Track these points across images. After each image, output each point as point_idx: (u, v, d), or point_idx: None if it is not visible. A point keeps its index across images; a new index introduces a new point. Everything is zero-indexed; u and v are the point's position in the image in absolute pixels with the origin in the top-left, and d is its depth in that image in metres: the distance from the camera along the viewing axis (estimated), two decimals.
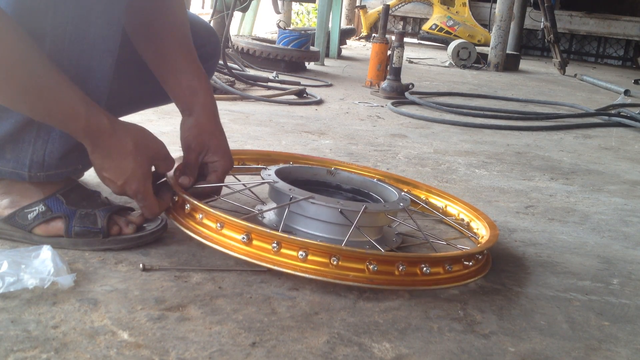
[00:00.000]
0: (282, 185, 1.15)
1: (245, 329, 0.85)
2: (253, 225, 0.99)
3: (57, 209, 1.04)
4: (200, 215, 1.06)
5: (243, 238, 0.99)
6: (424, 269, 1.00)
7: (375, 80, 3.72)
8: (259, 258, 0.98)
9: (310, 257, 0.96)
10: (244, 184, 1.33)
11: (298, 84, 3.42)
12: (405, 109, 3.07)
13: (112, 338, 0.80)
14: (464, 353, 0.86)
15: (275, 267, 0.97)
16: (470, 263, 1.07)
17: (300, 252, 0.96)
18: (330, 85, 3.71)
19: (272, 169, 1.24)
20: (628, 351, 0.91)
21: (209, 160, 1.17)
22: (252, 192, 1.35)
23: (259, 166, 1.44)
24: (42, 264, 0.90)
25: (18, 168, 1.02)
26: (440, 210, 1.41)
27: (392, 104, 3.14)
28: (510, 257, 1.23)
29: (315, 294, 0.98)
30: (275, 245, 0.97)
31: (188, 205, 1.09)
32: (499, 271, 1.15)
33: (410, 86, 3.55)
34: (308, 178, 1.32)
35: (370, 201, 1.27)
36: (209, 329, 0.84)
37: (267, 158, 1.54)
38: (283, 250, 0.97)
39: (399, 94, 3.43)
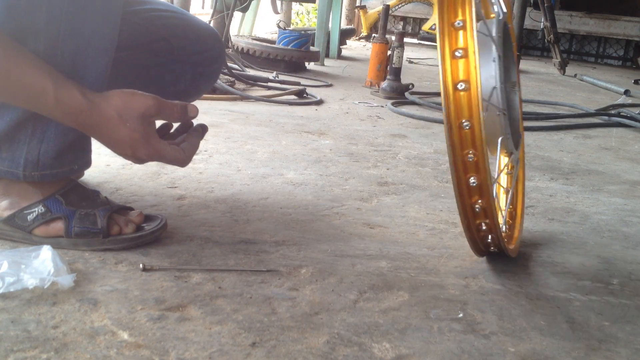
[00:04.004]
0: None
1: (245, 329, 0.85)
2: None
3: (57, 209, 1.04)
4: None
5: None
6: None
7: (375, 81, 3.72)
8: None
9: None
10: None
11: (298, 84, 3.41)
12: (405, 109, 3.07)
13: (112, 338, 0.80)
14: (464, 353, 0.86)
15: None
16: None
17: None
18: (330, 85, 3.71)
19: None
20: (628, 351, 0.91)
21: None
22: None
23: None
24: (42, 264, 0.90)
25: (13, 167, 1.02)
26: None
27: (392, 104, 3.14)
28: (510, 257, 1.23)
29: (315, 294, 0.98)
30: None
31: None
32: (498, 271, 1.15)
33: (410, 86, 3.55)
34: None
35: None
36: (209, 329, 0.84)
37: None
38: None
39: (399, 94, 3.43)
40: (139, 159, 0.98)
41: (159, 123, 1.05)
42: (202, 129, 1.09)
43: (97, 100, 0.93)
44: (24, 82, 0.88)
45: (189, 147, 1.03)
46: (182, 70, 1.28)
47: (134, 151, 0.96)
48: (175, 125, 1.10)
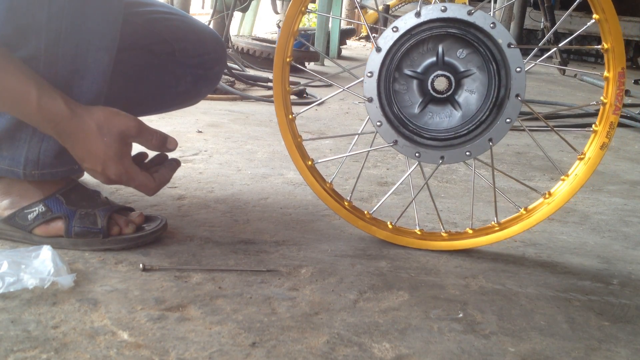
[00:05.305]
0: None
1: (245, 329, 0.85)
2: None
3: (57, 209, 1.04)
4: None
5: None
6: None
7: None
8: None
9: None
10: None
11: (298, 84, 3.41)
12: None
13: (112, 338, 0.80)
14: (464, 353, 0.86)
15: None
16: None
17: None
18: (330, 85, 3.70)
19: None
20: (628, 351, 0.91)
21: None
22: None
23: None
24: (42, 264, 0.90)
25: (13, 165, 1.02)
26: None
27: None
28: (510, 257, 1.23)
29: (315, 294, 0.98)
30: None
31: None
32: (498, 271, 1.15)
33: None
34: None
35: None
36: (209, 329, 0.84)
37: None
38: None
39: None
40: (107, 177, 0.99)
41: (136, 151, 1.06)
42: (176, 164, 1.11)
43: (79, 111, 0.94)
44: (8, 85, 0.88)
45: (160, 177, 1.06)
46: (182, 72, 1.28)
47: (104, 167, 0.97)
48: (151, 156, 1.11)
